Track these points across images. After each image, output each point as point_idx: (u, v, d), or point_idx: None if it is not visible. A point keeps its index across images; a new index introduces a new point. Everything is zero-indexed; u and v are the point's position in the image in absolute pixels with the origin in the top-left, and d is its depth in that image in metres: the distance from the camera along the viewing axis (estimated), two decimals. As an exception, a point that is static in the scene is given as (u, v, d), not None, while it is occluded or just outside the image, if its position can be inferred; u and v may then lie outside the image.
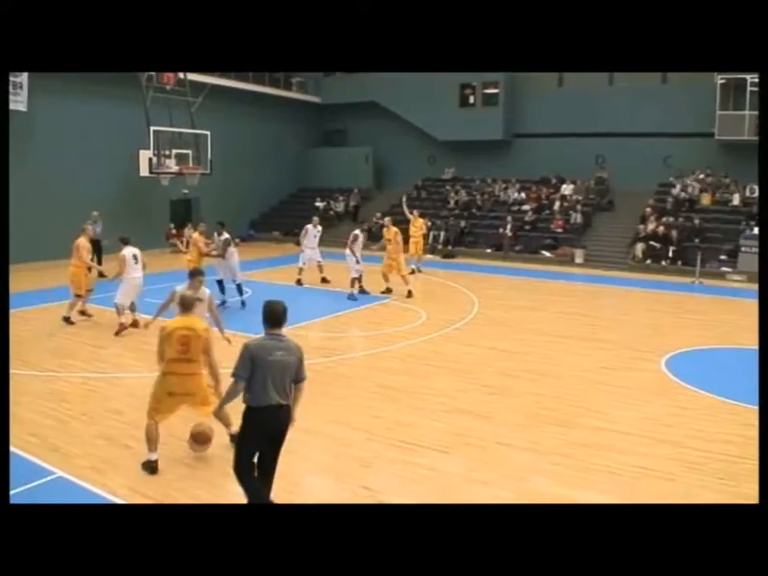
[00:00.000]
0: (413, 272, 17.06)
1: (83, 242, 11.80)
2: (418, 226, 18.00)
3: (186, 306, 6.07)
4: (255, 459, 4.95)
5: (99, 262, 15.81)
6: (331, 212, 25.54)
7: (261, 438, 4.84)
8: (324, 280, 15.92)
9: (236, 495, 5.65)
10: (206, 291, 7.66)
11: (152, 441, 5.98)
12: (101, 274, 14.98)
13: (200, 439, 6.15)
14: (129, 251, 11.17)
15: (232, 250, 13.31)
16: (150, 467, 5.96)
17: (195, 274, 7.78)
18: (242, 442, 4.90)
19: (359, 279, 14.27)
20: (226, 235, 13.38)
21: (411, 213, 18.52)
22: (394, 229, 14.71)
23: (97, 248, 16.11)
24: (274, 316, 4.74)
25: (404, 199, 20.80)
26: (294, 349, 4.81)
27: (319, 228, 16.27)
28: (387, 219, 15.48)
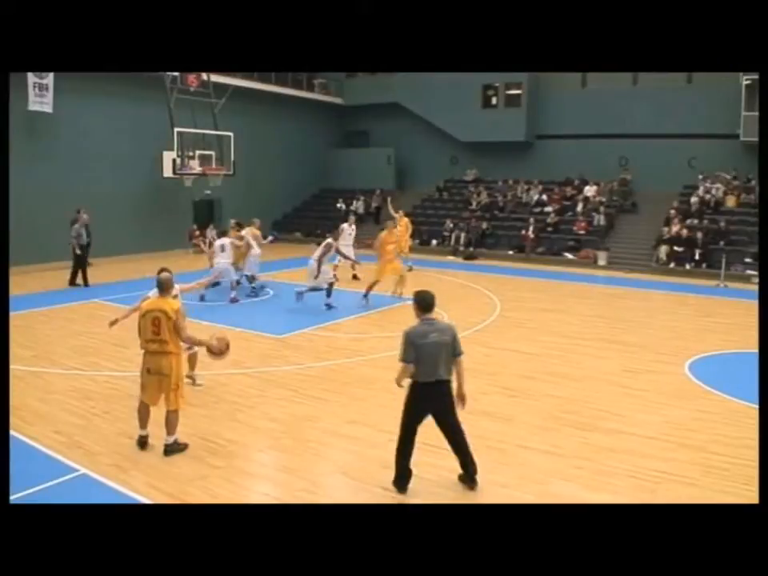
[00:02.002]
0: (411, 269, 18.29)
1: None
2: (402, 224, 18.90)
3: (161, 287, 6.38)
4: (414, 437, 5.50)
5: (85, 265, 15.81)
6: (352, 213, 25.54)
7: (423, 410, 5.42)
8: (354, 277, 16.78)
9: (256, 495, 5.70)
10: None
11: (140, 418, 6.45)
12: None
13: (215, 351, 6.69)
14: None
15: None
16: (138, 443, 6.44)
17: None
18: (407, 413, 5.48)
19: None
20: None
21: (396, 212, 19.33)
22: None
23: (84, 252, 15.69)
24: (425, 303, 5.39)
25: (389, 200, 21.92)
26: (446, 329, 5.43)
27: (354, 227, 17.08)
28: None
